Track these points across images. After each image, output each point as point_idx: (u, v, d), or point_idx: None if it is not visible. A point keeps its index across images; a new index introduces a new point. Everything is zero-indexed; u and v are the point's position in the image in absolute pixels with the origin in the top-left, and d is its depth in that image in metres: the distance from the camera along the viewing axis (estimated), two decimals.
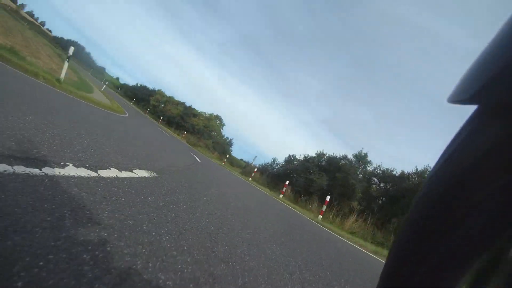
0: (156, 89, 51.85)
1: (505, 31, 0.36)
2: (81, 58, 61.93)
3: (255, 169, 22.10)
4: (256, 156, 36.33)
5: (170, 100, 48.95)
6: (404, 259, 0.46)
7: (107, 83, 30.09)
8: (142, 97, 50.42)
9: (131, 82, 54.52)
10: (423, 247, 0.42)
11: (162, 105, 47.18)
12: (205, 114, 48.02)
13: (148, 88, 53.74)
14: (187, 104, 48.69)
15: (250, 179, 20.17)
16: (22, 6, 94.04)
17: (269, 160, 32.73)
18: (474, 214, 0.37)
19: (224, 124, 49.31)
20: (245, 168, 28.34)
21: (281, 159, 42.29)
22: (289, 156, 28.21)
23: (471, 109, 0.41)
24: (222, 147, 43.08)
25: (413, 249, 0.44)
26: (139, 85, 55.37)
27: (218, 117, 49.09)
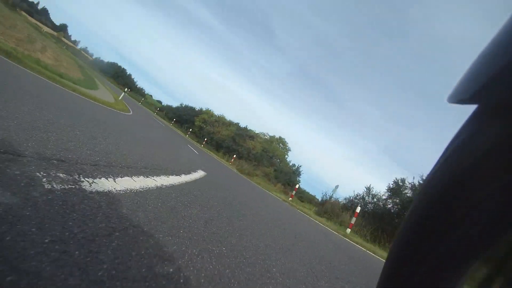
0: (203, 109, 45.15)
1: (505, 31, 0.36)
2: (123, 79, 61.51)
3: (357, 211, 11.78)
4: (337, 186, 25.86)
5: (219, 120, 41.70)
6: (404, 259, 0.47)
7: (127, 90, 24.88)
8: (187, 118, 43.92)
9: (175, 104, 51.26)
10: (423, 247, 0.43)
11: (211, 128, 39.92)
12: (265, 135, 39.64)
13: (193, 108, 47.60)
14: (242, 125, 40.96)
15: (349, 230, 10.61)
16: (76, 42, 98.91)
17: (351, 192, 23.13)
18: (474, 214, 0.38)
19: (289, 149, 40.33)
20: (324, 205, 18.64)
21: (377, 188, 30.70)
22: (396, 182, 18.58)
23: (471, 109, 0.41)
24: (287, 176, 34.10)
25: (413, 249, 0.45)
26: (183, 105, 49.36)
27: (281, 140, 40.36)
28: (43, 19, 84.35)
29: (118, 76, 62.58)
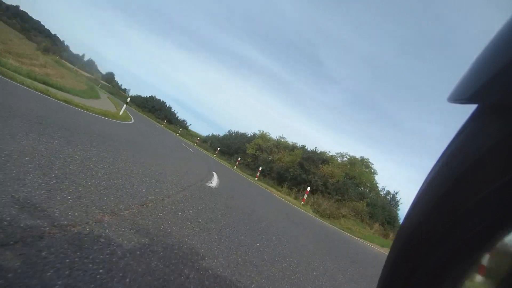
0: (256, 133, 36.08)
1: (505, 31, 0.37)
2: (161, 112, 58.66)
3: None
4: None
5: (279, 144, 32.28)
6: (403, 260, 0.47)
7: (128, 99, 20.02)
8: (237, 147, 35.25)
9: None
10: (422, 248, 0.44)
11: (268, 155, 30.56)
12: (343, 156, 29.23)
13: (244, 134, 39.46)
14: (309, 148, 31.11)
15: None
16: (127, 91, 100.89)
17: None
18: (474, 214, 0.38)
19: (375, 172, 29.23)
20: None
21: None
22: None
23: (471, 108, 0.42)
24: (385, 211, 23.19)
25: (413, 249, 0.46)
26: (231, 132, 40.96)
27: (363, 161, 29.49)
28: (87, 68, 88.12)
29: (156, 110, 58.51)
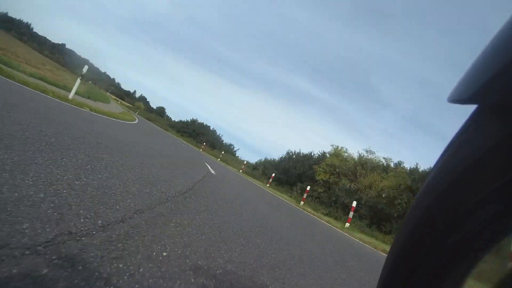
0: (326, 152, 25.56)
1: (506, 31, 0.37)
2: (203, 135, 52.64)
3: None
4: None
5: (365, 162, 21.73)
6: (404, 260, 0.48)
7: (85, 69, 10.99)
8: (301, 173, 25.59)
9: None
10: (423, 248, 0.44)
11: (349, 181, 20.13)
12: None
13: (309, 155, 28.80)
14: (406, 165, 20.42)
15: None
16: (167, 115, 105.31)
17: None
18: (474, 214, 0.38)
19: None
20: None
21: None
22: None
23: (471, 109, 0.42)
24: None
25: (413, 249, 0.46)
26: (292, 154, 30.83)
27: None
28: (136, 101, 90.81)
29: (198, 134, 52.14)
